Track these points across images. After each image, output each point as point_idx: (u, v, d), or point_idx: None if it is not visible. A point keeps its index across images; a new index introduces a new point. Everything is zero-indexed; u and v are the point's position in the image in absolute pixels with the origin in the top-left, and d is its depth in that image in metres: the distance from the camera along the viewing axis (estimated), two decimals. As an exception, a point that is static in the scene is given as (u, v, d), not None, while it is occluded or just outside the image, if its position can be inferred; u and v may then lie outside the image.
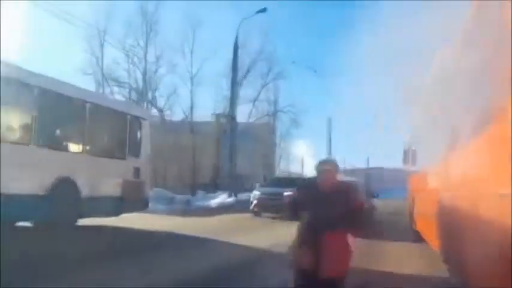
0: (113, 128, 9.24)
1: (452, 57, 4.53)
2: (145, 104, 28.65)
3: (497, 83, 2.55)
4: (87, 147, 8.38)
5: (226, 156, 25.67)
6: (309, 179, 3.72)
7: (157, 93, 29.91)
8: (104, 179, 8.64)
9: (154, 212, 13.51)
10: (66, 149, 8.07)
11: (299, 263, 3.00)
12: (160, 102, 29.75)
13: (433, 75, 6.27)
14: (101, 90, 26.98)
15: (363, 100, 52.97)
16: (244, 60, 30.63)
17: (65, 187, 7.52)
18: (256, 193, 13.47)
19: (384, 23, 30.00)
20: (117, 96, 27.79)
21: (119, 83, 29.24)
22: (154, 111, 29.40)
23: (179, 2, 39.84)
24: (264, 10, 21.63)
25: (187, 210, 15.01)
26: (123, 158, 9.15)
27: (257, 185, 17.40)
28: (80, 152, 8.22)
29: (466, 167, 3.32)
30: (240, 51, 23.63)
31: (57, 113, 7.74)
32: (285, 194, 10.69)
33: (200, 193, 24.67)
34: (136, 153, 9.52)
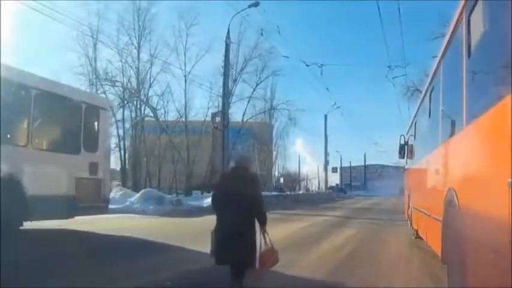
0: (64, 118, 8.19)
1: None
2: (138, 103, 28.00)
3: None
4: (34, 140, 7.45)
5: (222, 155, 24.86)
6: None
7: (151, 92, 29.15)
8: (54, 176, 7.65)
9: (142, 212, 13.19)
10: (7, 142, 7.03)
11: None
12: (154, 102, 28.98)
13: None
14: (93, 90, 26.27)
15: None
16: (239, 58, 29.88)
17: (7, 185, 6.63)
18: None
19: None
20: (111, 95, 27.06)
21: (112, 83, 28.50)
22: (147, 111, 28.76)
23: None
24: (256, 4, 20.66)
25: (176, 211, 14.28)
26: (77, 153, 8.16)
27: None
28: (24, 146, 7.29)
29: (468, 156, 3.12)
30: (235, 48, 22.76)
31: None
32: None
33: (195, 193, 24.04)
34: (93, 147, 8.51)
